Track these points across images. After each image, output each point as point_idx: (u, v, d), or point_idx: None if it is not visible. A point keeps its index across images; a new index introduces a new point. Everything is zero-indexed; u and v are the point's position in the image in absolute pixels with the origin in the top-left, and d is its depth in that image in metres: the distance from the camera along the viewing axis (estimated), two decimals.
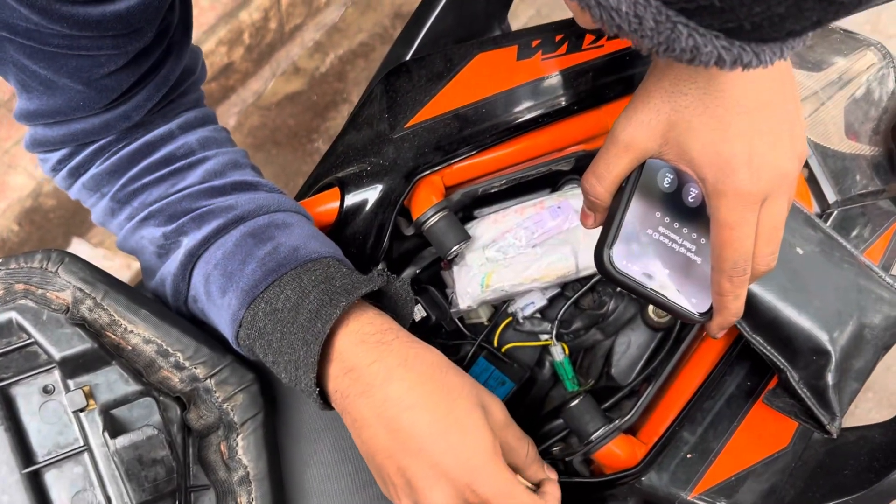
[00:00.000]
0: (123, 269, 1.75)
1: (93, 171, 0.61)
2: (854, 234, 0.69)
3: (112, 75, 0.55)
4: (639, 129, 0.52)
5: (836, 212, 0.69)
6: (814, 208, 0.70)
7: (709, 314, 0.54)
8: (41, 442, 0.54)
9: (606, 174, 0.53)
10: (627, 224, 0.53)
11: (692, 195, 0.53)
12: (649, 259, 0.53)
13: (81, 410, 0.54)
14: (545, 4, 2.17)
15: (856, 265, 0.63)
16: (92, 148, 0.61)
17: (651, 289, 0.53)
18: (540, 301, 0.74)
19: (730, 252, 0.50)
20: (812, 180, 0.70)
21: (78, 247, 1.78)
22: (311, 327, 0.53)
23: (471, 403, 0.53)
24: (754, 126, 0.50)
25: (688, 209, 0.54)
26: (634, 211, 0.53)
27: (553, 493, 0.55)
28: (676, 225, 0.54)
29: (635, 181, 0.53)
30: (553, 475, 0.57)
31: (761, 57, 0.35)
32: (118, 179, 0.61)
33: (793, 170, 0.51)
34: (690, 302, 0.54)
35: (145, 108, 0.59)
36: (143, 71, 0.57)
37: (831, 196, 0.70)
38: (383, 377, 0.52)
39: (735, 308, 0.53)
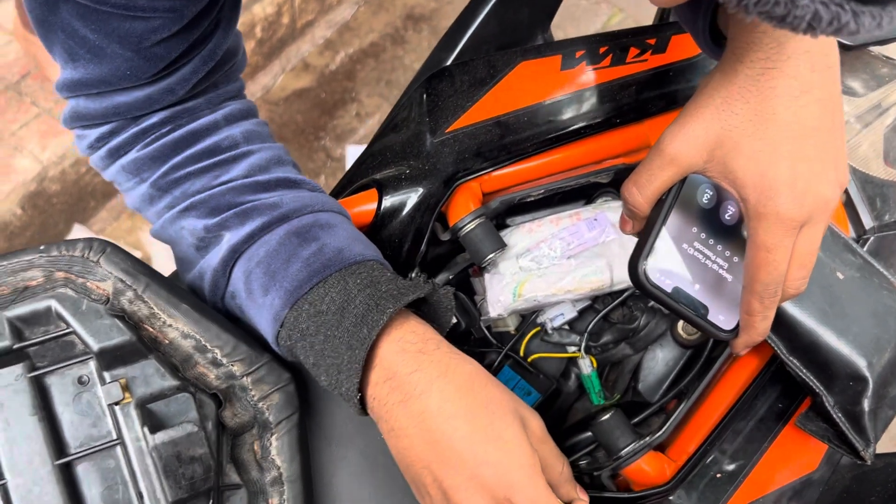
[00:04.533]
0: None
1: (133, 154, 0.60)
2: (892, 260, 0.69)
3: (162, 43, 0.55)
4: (685, 144, 0.52)
5: (872, 238, 0.69)
6: (850, 233, 0.70)
7: (735, 331, 0.55)
8: (74, 434, 0.53)
9: (648, 185, 0.54)
10: (664, 237, 0.54)
11: (729, 213, 0.54)
12: (682, 273, 0.54)
13: (117, 403, 0.53)
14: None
15: (894, 292, 0.63)
16: (134, 130, 0.60)
17: (681, 303, 0.54)
18: (570, 313, 0.74)
19: (764, 274, 0.50)
20: (849, 205, 0.70)
21: (79, 233, 1.76)
22: (357, 332, 0.52)
23: (510, 416, 0.52)
24: (801, 151, 0.50)
25: (724, 227, 0.54)
26: (671, 224, 0.54)
27: None
28: (711, 241, 0.54)
29: (676, 195, 0.54)
30: (585, 497, 0.57)
31: (859, 20, 0.33)
32: (160, 166, 0.60)
33: (834, 197, 0.51)
34: (718, 318, 0.55)
35: (190, 83, 0.58)
36: (192, 41, 0.56)
37: (868, 222, 0.70)
38: (423, 387, 0.52)
39: (762, 328, 0.54)
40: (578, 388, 0.76)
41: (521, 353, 0.75)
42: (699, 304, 0.55)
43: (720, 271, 0.55)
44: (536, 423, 0.55)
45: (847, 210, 0.70)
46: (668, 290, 0.54)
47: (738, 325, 0.55)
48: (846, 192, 0.70)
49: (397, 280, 0.56)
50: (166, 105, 0.60)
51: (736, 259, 0.55)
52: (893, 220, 0.70)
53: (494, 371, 0.75)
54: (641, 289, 0.54)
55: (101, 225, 1.83)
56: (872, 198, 0.70)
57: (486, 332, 0.76)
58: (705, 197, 0.54)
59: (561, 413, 0.76)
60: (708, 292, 0.55)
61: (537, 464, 0.52)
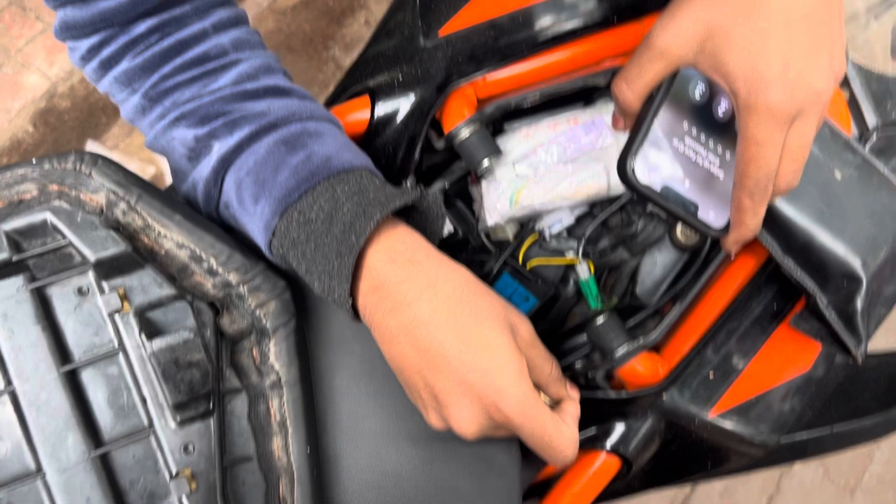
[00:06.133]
0: (139, 174, 1.74)
1: (124, 64, 0.60)
2: (894, 159, 0.68)
3: None
4: (675, 37, 0.51)
5: (875, 136, 0.68)
6: (853, 132, 0.68)
7: (725, 229, 0.55)
8: (77, 342, 0.55)
9: (637, 80, 0.53)
10: (654, 133, 0.53)
11: (723, 108, 0.53)
12: (672, 170, 0.54)
13: (116, 312, 0.55)
14: None
15: (894, 191, 0.62)
16: (123, 40, 0.60)
17: (670, 200, 0.54)
18: (567, 219, 0.73)
19: (754, 169, 0.50)
20: (853, 103, 0.68)
21: (92, 149, 1.77)
22: (345, 239, 0.53)
23: (499, 324, 0.53)
24: (793, 42, 0.49)
25: (716, 122, 0.54)
26: (662, 120, 0.53)
27: (571, 411, 0.56)
28: (703, 137, 0.54)
29: (666, 90, 0.53)
30: (575, 394, 0.59)
31: None
32: (150, 76, 0.60)
33: (827, 88, 0.50)
34: (708, 216, 0.54)
35: None
36: None
37: (872, 120, 0.68)
38: (413, 297, 0.53)
39: (753, 224, 0.53)
40: (577, 293, 0.77)
41: (520, 261, 0.76)
42: (689, 201, 0.54)
43: (711, 168, 0.54)
44: (525, 328, 0.55)
45: (851, 108, 0.68)
46: (657, 188, 0.54)
47: (728, 223, 0.55)
48: (850, 89, 0.68)
49: (386, 187, 0.56)
50: (152, 9, 0.59)
51: (728, 155, 0.54)
52: None
53: (493, 278, 0.75)
54: (630, 186, 0.54)
55: (114, 141, 1.84)
56: (878, 95, 0.68)
57: (485, 239, 0.76)
58: (698, 91, 0.53)
59: (559, 318, 0.77)
60: (698, 189, 0.54)
61: (524, 369, 0.53)
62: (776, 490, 1.68)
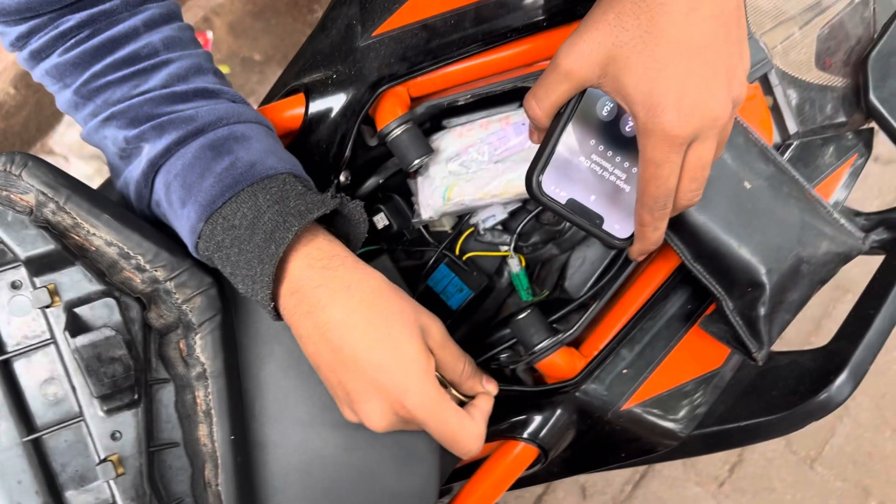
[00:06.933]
0: None
1: (55, 58, 0.62)
2: (813, 165, 0.70)
3: None
4: (579, 59, 0.53)
5: (795, 143, 0.70)
6: (774, 138, 0.70)
7: (630, 240, 0.58)
8: (11, 333, 0.58)
9: (545, 98, 0.55)
10: (560, 150, 0.55)
11: (630, 125, 0.55)
12: (578, 185, 0.56)
13: (47, 307, 0.58)
14: None
15: (803, 200, 0.64)
16: (53, 33, 0.61)
17: (575, 213, 0.56)
18: (501, 214, 0.76)
19: (653, 188, 0.52)
20: (776, 110, 0.70)
21: None
22: (266, 248, 0.55)
23: (408, 326, 0.57)
24: (690, 68, 0.50)
25: (623, 138, 0.56)
26: (569, 137, 0.55)
27: (482, 406, 0.59)
28: (610, 153, 0.56)
29: (573, 108, 0.55)
30: (492, 388, 0.62)
31: None
32: (81, 74, 0.62)
33: (724, 114, 0.52)
34: (613, 228, 0.57)
35: None
36: None
37: (793, 127, 0.70)
38: (326, 301, 0.56)
39: (655, 238, 0.56)
40: (510, 284, 0.80)
41: (457, 252, 0.79)
42: (594, 214, 0.57)
43: (618, 182, 0.57)
44: (436, 329, 0.59)
45: (773, 115, 0.70)
46: (563, 201, 0.56)
47: (633, 234, 0.57)
48: (773, 97, 0.70)
49: (307, 195, 0.58)
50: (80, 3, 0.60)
51: (634, 170, 0.57)
52: (819, 124, 0.70)
53: (430, 269, 0.78)
54: (536, 200, 0.56)
55: None
56: (800, 103, 0.70)
57: (424, 231, 0.79)
58: (605, 109, 0.55)
59: (493, 308, 0.80)
60: (604, 202, 0.57)
61: (430, 369, 0.56)
62: (738, 459, 1.73)
